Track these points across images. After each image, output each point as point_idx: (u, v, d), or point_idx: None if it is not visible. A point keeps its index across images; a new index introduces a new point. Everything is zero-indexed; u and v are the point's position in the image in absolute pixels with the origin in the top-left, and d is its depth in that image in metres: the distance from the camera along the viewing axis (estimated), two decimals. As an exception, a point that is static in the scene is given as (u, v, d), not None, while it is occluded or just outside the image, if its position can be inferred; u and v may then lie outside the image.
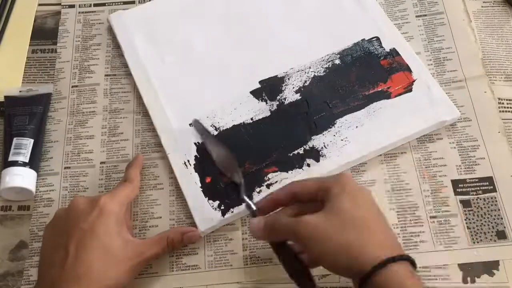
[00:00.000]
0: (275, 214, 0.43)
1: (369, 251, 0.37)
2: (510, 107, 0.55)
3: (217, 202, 0.50)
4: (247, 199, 0.46)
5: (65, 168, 0.54)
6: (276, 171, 0.51)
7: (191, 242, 0.49)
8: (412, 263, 0.38)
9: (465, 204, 0.50)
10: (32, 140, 0.53)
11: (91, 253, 0.41)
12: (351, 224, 0.38)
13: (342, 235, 0.38)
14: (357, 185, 0.41)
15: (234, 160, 0.51)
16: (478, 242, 0.48)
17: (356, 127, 0.53)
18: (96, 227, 0.42)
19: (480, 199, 0.50)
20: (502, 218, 0.49)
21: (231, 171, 0.50)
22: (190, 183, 0.51)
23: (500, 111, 0.55)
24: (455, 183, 0.51)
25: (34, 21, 0.63)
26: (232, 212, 0.49)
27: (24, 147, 0.52)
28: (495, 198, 0.50)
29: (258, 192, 0.50)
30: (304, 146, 0.52)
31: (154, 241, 0.46)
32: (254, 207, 0.45)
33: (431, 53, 0.59)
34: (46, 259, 0.43)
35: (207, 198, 0.50)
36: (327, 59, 0.57)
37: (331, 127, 0.53)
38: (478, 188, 0.51)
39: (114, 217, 0.43)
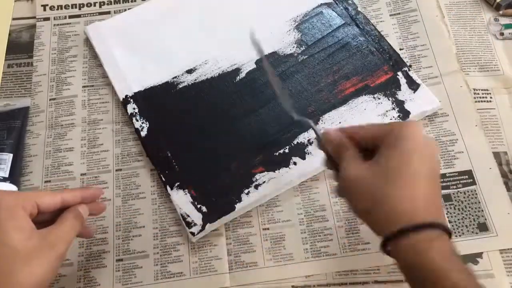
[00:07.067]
0: (344, 143, 0.39)
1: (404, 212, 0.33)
2: (485, 97, 0.56)
3: (205, 208, 0.50)
4: (313, 126, 0.43)
5: (45, 182, 0.53)
6: (264, 171, 0.51)
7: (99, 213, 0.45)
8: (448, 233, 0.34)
9: (446, 198, 0.51)
10: (11, 155, 0.53)
11: None
12: (393, 182, 0.34)
13: (380, 194, 0.34)
14: (420, 139, 0.35)
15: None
16: (460, 235, 0.49)
17: (340, 122, 0.54)
18: None
19: (461, 193, 0.51)
20: (482, 211, 0.50)
21: (289, 108, 0.46)
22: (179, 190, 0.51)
23: (475, 101, 0.55)
24: (435, 177, 0.52)
25: (9, 35, 0.62)
26: (220, 217, 0.49)
27: (3, 162, 0.52)
28: (475, 191, 0.51)
29: (247, 194, 0.50)
30: (289, 145, 0.52)
31: (61, 226, 0.39)
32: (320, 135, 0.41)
33: (406, 50, 0.59)
34: None
35: (196, 203, 0.50)
36: (309, 53, 0.58)
37: (315, 124, 0.54)
38: (458, 182, 0.51)
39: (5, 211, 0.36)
